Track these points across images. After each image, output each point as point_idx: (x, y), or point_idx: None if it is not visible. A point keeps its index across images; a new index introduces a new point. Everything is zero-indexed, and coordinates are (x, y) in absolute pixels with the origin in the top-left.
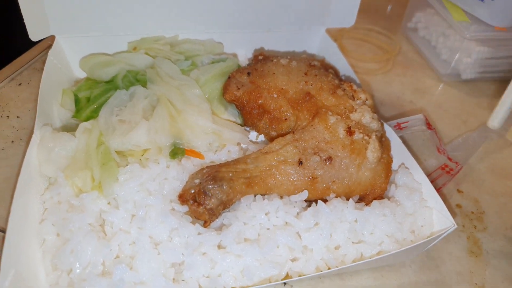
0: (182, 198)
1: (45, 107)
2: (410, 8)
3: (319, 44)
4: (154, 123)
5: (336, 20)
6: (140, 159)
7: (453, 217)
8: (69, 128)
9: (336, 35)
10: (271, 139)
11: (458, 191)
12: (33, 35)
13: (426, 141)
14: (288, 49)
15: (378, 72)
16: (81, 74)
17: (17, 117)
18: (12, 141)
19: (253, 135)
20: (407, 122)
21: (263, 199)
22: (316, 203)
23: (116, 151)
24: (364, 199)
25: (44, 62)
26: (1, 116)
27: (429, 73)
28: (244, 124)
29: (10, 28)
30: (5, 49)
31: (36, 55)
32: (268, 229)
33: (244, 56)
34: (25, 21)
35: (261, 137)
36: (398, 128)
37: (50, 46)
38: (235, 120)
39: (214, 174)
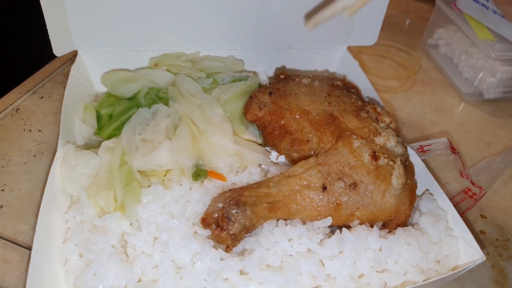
0: (205, 222)
1: (67, 123)
2: (432, 24)
3: (340, 62)
4: (177, 143)
5: (358, 39)
6: (163, 180)
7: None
8: (91, 145)
9: (355, 51)
10: (292, 160)
11: (482, 216)
12: (57, 51)
13: (447, 163)
14: (308, 67)
15: (398, 90)
16: (101, 88)
17: (39, 130)
18: (34, 155)
19: (273, 155)
20: (430, 145)
21: (286, 225)
22: (340, 228)
23: (138, 171)
24: (388, 225)
25: (65, 75)
26: (24, 130)
27: (450, 92)
28: (265, 144)
29: (29, 41)
30: (25, 62)
31: (57, 68)
32: (291, 255)
33: (264, 74)
34: (50, 37)
35: (282, 157)
36: (421, 151)
37: (71, 59)
38: (255, 140)
39: (237, 198)
